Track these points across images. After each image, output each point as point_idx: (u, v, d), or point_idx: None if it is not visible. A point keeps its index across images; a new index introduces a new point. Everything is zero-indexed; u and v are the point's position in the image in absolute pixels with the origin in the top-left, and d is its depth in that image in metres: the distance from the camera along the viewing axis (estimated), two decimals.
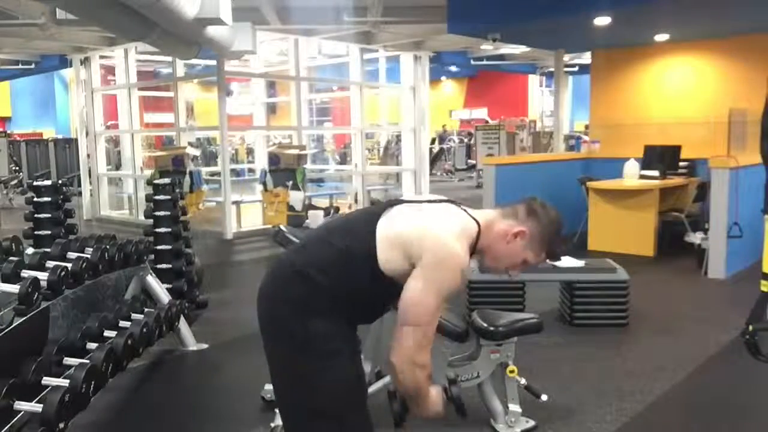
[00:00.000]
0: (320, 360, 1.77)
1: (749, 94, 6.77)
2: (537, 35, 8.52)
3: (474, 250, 1.84)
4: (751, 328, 3.34)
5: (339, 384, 1.79)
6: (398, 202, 1.92)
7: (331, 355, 1.78)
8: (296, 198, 8.95)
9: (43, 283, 2.78)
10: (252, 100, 12.75)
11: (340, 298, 1.79)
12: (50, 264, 2.96)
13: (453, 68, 17.39)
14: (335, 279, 1.79)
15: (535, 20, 7.07)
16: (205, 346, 4.39)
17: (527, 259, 1.89)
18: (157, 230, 4.76)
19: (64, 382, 2.54)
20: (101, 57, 11.30)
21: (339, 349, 1.80)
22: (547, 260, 1.95)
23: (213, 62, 9.45)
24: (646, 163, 7.63)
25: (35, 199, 4.59)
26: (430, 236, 1.77)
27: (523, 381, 3.08)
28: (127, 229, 9.14)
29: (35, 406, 2.39)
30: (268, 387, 3.37)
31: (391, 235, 1.80)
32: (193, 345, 4.36)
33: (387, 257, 1.78)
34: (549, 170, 8.23)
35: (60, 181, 4.79)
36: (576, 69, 15.10)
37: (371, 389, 2.82)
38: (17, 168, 15.71)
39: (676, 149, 7.71)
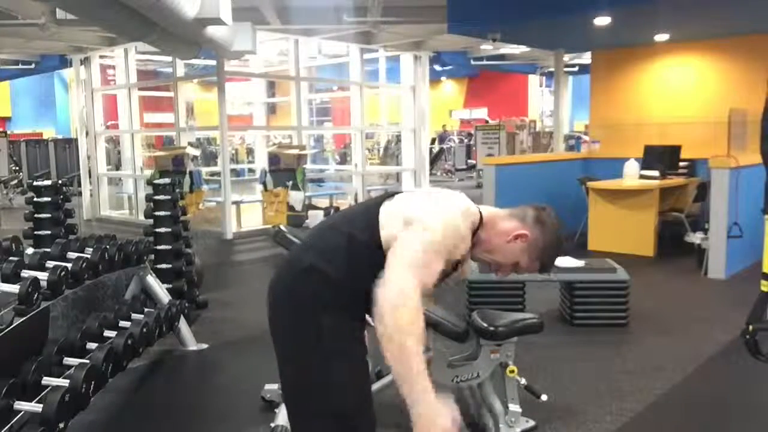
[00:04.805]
0: (328, 359, 1.77)
1: (749, 94, 6.78)
2: (537, 35, 8.52)
3: (472, 238, 1.84)
4: (751, 328, 3.35)
5: (345, 384, 1.79)
6: (399, 192, 1.93)
7: (339, 355, 1.77)
8: (296, 198, 8.95)
9: (43, 283, 2.78)
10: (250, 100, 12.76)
11: (347, 288, 1.78)
12: (50, 264, 2.96)
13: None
14: (341, 266, 1.77)
15: (535, 20, 7.07)
16: (205, 346, 4.39)
17: (520, 263, 1.89)
18: (157, 230, 4.76)
19: (64, 382, 2.54)
20: (101, 57, 11.31)
21: (347, 349, 1.80)
22: (538, 271, 1.93)
23: (213, 62, 9.45)
24: (646, 163, 7.63)
25: (35, 199, 4.59)
26: (433, 208, 1.77)
27: (523, 381, 3.08)
28: (127, 229, 9.14)
29: (35, 406, 2.39)
30: (268, 387, 3.37)
31: (392, 213, 1.79)
32: (193, 345, 4.35)
33: (388, 233, 1.75)
34: (549, 170, 8.23)
35: (60, 181, 4.79)
36: (576, 69, 15.12)
37: (372, 389, 2.82)
38: (17, 168, 15.71)
39: (676, 149, 7.71)
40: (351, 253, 1.78)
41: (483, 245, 1.88)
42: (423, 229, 1.69)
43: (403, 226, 1.74)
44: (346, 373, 1.78)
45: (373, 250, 1.76)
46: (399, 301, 1.57)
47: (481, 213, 1.86)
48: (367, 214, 1.83)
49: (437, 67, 14.96)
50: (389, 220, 1.78)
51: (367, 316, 1.88)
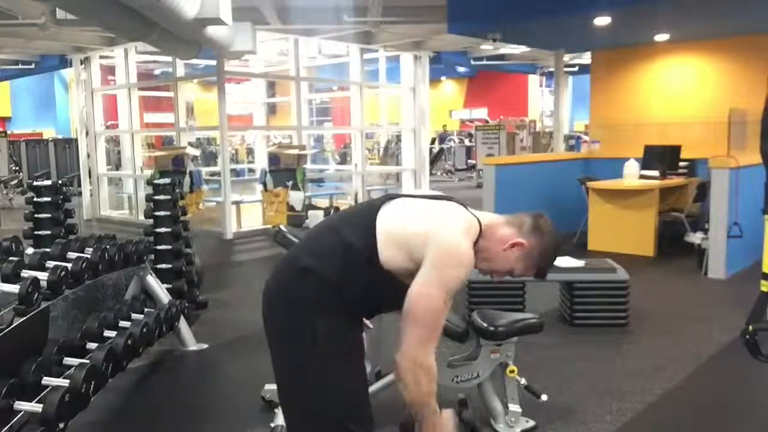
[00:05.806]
0: (324, 361, 1.76)
1: (749, 94, 6.78)
2: (537, 35, 8.52)
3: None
4: (751, 328, 3.35)
5: (341, 386, 1.79)
6: (398, 195, 1.92)
7: (334, 356, 1.77)
8: (296, 198, 8.95)
9: (43, 283, 2.77)
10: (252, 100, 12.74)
11: (342, 290, 1.78)
12: (50, 264, 2.96)
13: (460, 69, 17.38)
14: (336, 269, 1.78)
15: (535, 20, 7.07)
16: (205, 346, 4.39)
17: (516, 270, 1.91)
18: (157, 230, 4.75)
19: (64, 382, 2.54)
20: (101, 57, 11.31)
21: (343, 350, 1.80)
22: (534, 277, 1.96)
23: (213, 62, 9.45)
24: (646, 163, 7.63)
25: (35, 199, 4.59)
26: (436, 234, 1.76)
27: (523, 381, 3.09)
28: (127, 229, 9.14)
29: (35, 406, 2.38)
30: (268, 387, 3.37)
31: (394, 231, 1.79)
32: (193, 345, 4.35)
33: (389, 254, 1.76)
34: (549, 170, 8.24)
35: (60, 181, 4.79)
36: (576, 69, 15.09)
37: (371, 389, 2.82)
38: (17, 168, 15.71)
39: (676, 149, 7.71)
40: (346, 258, 1.78)
41: (481, 253, 1.88)
42: (431, 277, 1.73)
43: (406, 255, 1.77)
44: (342, 375, 1.78)
45: (369, 258, 1.76)
46: (417, 370, 1.73)
47: (480, 222, 1.86)
48: (365, 219, 1.82)
49: (437, 67, 14.93)
50: (388, 236, 1.78)
51: (364, 319, 1.89)
